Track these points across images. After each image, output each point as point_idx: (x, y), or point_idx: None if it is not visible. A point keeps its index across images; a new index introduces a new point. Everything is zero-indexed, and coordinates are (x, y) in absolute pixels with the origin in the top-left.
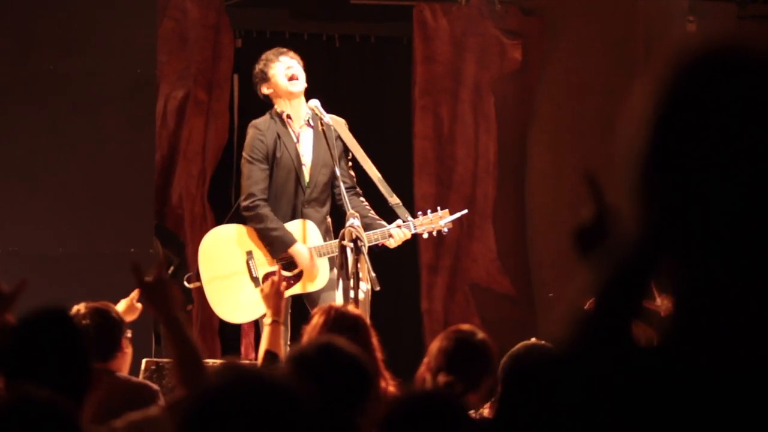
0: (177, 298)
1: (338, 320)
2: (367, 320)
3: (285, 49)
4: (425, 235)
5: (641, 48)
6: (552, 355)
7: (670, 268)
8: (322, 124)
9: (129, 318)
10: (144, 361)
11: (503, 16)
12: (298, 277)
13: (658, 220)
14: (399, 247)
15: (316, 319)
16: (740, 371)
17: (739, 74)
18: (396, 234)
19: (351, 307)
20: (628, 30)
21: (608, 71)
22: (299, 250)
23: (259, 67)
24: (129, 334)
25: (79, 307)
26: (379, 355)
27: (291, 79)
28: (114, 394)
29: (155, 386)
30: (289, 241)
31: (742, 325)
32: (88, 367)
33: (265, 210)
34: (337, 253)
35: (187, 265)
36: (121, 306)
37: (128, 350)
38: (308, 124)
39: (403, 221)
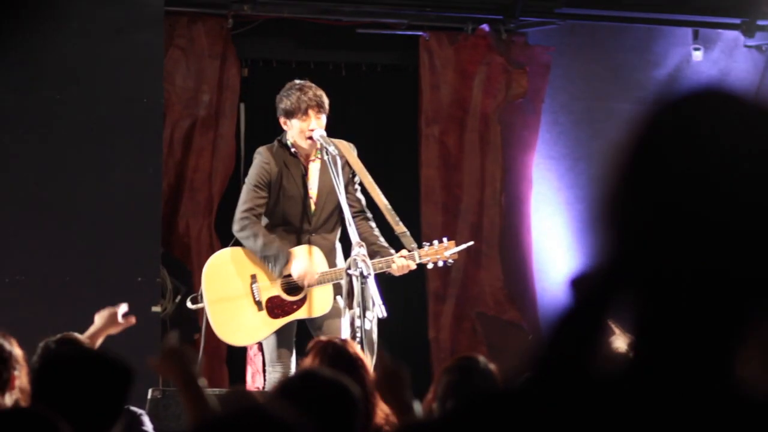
0: (192, 361)
1: (333, 358)
2: (368, 354)
3: (313, 97)
4: (430, 266)
5: (647, 75)
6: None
7: (631, 301)
8: (326, 154)
9: (111, 331)
10: (150, 390)
11: (509, 45)
12: (300, 302)
13: (620, 250)
14: (406, 275)
15: (312, 357)
16: (693, 405)
17: (709, 113)
18: (399, 263)
19: (349, 344)
20: (633, 57)
21: (614, 99)
22: (295, 265)
23: (286, 102)
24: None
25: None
26: (376, 392)
27: (308, 138)
28: None
29: (138, 410)
30: (287, 254)
31: (700, 357)
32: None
33: (256, 227)
34: (340, 280)
35: (195, 293)
36: (97, 322)
37: None
38: (317, 158)
39: (408, 251)
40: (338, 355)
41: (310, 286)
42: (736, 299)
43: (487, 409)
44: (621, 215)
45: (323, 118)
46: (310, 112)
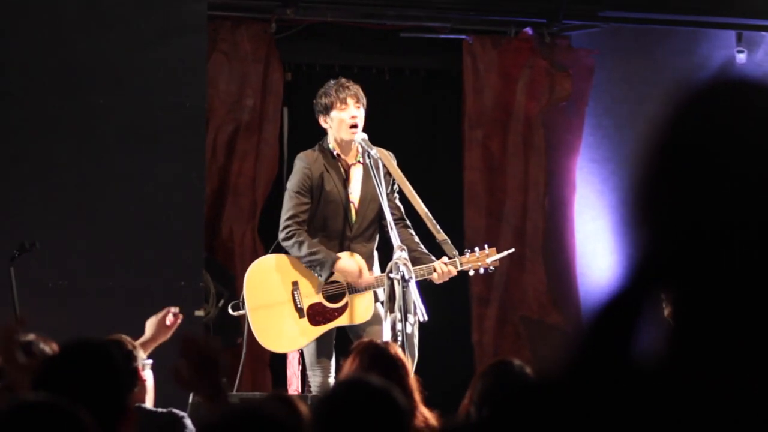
0: (225, 367)
1: (375, 359)
2: (409, 358)
3: (352, 87)
4: (471, 273)
5: (691, 78)
6: (517, 377)
7: (667, 296)
8: (368, 157)
9: (162, 340)
10: (191, 394)
11: (552, 49)
12: (341, 310)
13: (654, 246)
14: (452, 278)
15: (353, 358)
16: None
17: (737, 107)
18: (440, 270)
19: (391, 346)
20: (677, 60)
21: (657, 101)
22: (344, 266)
23: (323, 99)
24: (145, 364)
25: None
26: (416, 396)
27: (352, 127)
28: (142, 428)
29: (180, 412)
30: (333, 258)
31: (740, 354)
32: (123, 404)
33: (302, 236)
34: (382, 287)
35: (238, 298)
36: (148, 331)
37: (146, 380)
38: (359, 162)
39: (449, 257)
40: (379, 356)
41: (359, 285)
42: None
43: (526, 401)
44: (654, 210)
45: (362, 112)
46: (349, 100)
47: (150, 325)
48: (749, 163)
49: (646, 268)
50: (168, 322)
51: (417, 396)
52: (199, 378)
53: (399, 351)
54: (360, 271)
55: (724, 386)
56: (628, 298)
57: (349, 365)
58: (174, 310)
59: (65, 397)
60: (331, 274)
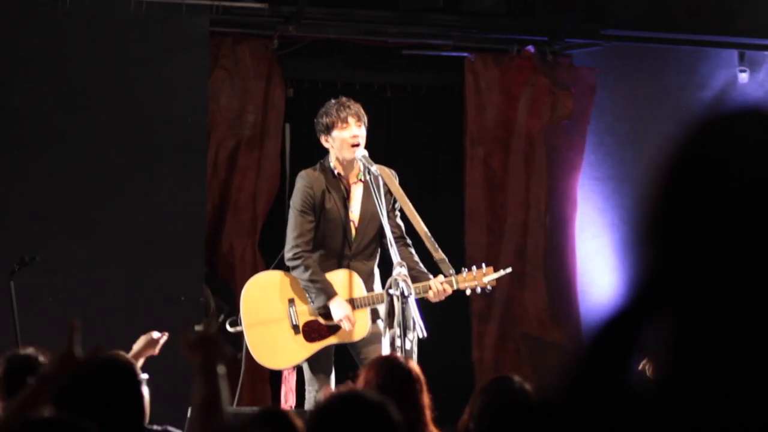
0: (222, 353)
1: (390, 374)
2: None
3: (353, 106)
4: (468, 292)
5: (693, 97)
6: (517, 394)
7: (668, 318)
8: (369, 174)
9: (149, 353)
10: (190, 409)
11: (554, 67)
12: (337, 327)
13: (657, 267)
14: (450, 295)
15: (367, 370)
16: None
17: (740, 133)
18: (435, 288)
19: (409, 362)
20: (679, 79)
21: (660, 121)
22: (336, 306)
23: (324, 117)
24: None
25: None
26: (427, 413)
27: (353, 146)
28: None
29: (176, 431)
30: (330, 293)
31: (737, 376)
32: (139, 424)
33: (309, 261)
34: (378, 305)
35: (238, 313)
36: (139, 343)
37: (145, 396)
38: (360, 180)
39: (446, 277)
40: (395, 371)
41: (341, 324)
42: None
43: (522, 422)
44: (658, 233)
45: (363, 131)
46: (350, 119)
47: (139, 340)
48: (755, 192)
49: (647, 291)
50: (155, 337)
51: (428, 413)
52: (197, 349)
53: (416, 367)
54: (348, 319)
55: (719, 411)
56: (627, 319)
57: (364, 377)
58: (157, 334)
59: (86, 415)
60: (324, 306)
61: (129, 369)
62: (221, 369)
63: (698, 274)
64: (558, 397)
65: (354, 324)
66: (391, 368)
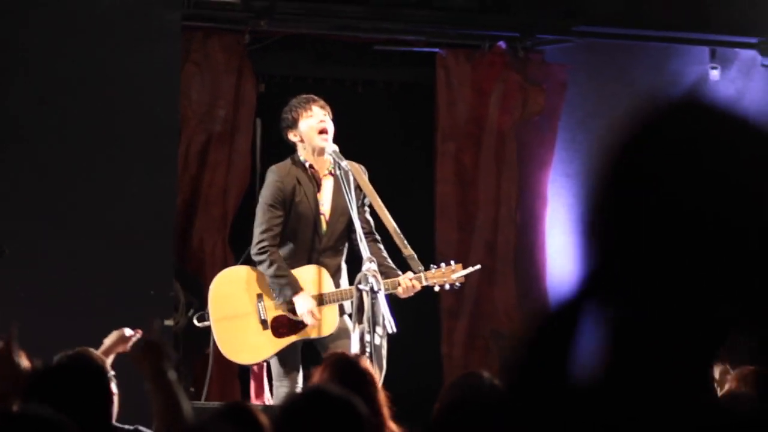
0: (167, 356)
1: (344, 372)
2: (378, 370)
3: (316, 98)
4: (436, 288)
5: (664, 94)
6: (486, 390)
7: (609, 310)
8: (339, 169)
9: (119, 349)
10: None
11: (526, 63)
12: (305, 322)
13: (599, 260)
14: (419, 292)
15: (322, 369)
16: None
17: (688, 126)
18: (405, 284)
19: (361, 359)
20: (651, 76)
21: (630, 117)
22: (300, 301)
23: (288, 113)
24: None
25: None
26: (384, 411)
27: (321, 132)
28: None
29: (146, 430)
30: (295, 289)
31: (676, 368)
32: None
33: (275, 256)
34: (346, 301)
35: (206, 308)
36: (110, 339)
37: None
38: (331, 174)
39: (415, 273)
40: (348, 369)
41: (305, 322)
42: (712, 312)
43: (466, 420)
44: (600, 226)
45: (329, 120)
46: (314, 107)
47: (109, 336)
48: (701, 187)
49: (590, 284)
50: (127, 334)
51: (385, 411)
52: (143, 357)
53: (369, 365)
54: (312, 314)
55: (657, 404)
56: (568, 312)
57: (318, 376)
58: (130, 332)
59: (55, 410)
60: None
61: (98, 366)
62: (172, 374)
63: (639, 266)
64: (501, 391)
65: (318, 319)
66: (345, 366)
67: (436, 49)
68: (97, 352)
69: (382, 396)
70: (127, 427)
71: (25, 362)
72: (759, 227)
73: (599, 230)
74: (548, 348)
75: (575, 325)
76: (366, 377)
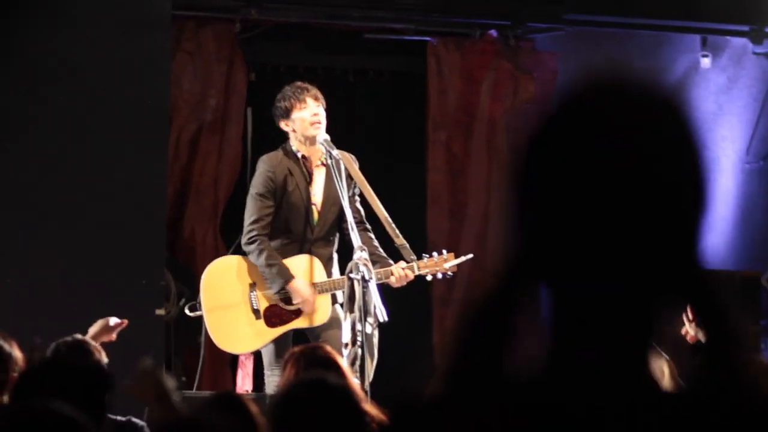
0: (166, 380)
1: (311, 363)
2: (369, 358)
3: (310, 88)
4: (429, 278)
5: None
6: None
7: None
8: (330, 158)
9: (104, 338)
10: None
11: (516, 51)
12: (298, 312)
13: (524, 245)
14: (411, 280)
15: (290, 366)
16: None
17: (605, 106)
18: (397, 274)
19: (322, 348)
20: (641, 64)
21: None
22: (296, 286)
23: (281, 101)
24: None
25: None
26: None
27: (314, 124)
28: None
29: (140, 422)
30: (287, 276)
31: (610, 355)
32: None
33: (265, 245)
34: (339, 290)
35: (198, 297)
36: (95, 327)
37: None
38: (323, 164)
39: (407, 262)
40: (315, 360)
41: (304, 308)
42: (640, 296)
43: (405, 421)
44: (523, 212)
45: (322, 111)
46: (308, 99)
47: (93, 326)
48: (618, 168)
49: (516, 267)
50: (112, 323)
51: (358, 394)
52: (143, 386)
53: (332, 351)
54: (312, 301)
55: (593, 392)
56: (498, 302)
57: (287, 373)
58: (115, 320)
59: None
60: (283, 289)
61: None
62: (176, 395)
63: (563, 252)
64: (438, 389)
65: (314, 307)
66: (311, 358)
67: (427, 38)
68: (95, 343)
69: (351, 381)
70: (120, 418)
71: (16, 352)
72: (678, 207)
73: (521, 215)
74: (480, 344)
75: (506, 315)
76: (330, 363)
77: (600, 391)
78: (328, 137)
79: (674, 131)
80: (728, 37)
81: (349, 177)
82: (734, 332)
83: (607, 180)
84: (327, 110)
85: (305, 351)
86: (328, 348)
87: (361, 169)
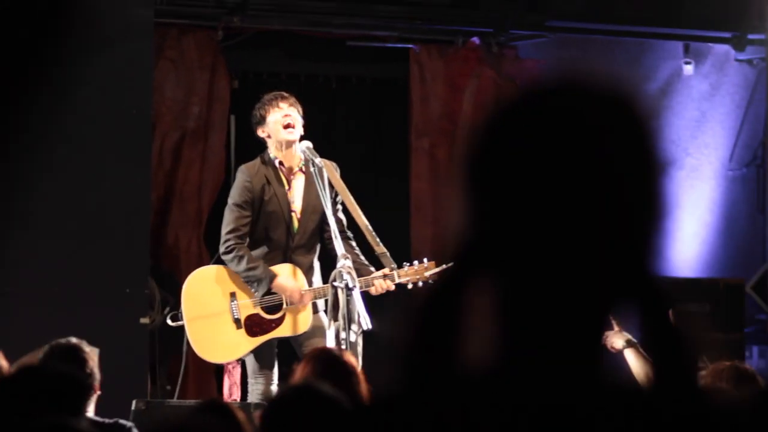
0: None
1: (327, 366)
2: (358, 364)
3: (285, 94)
4: (410, 286)
5: (638, 89)
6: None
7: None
8: (313, 166)
9: None
10: (134, 401)
11: (499, 58)
12: (279, 321)
13: (475, 233)
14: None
15: (305, 364)
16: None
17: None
18: (377, 284)
19: (344, 353)
20: (624, 71)
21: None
22: (284, 283)
23: (257, 110)
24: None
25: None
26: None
27: (287, 127)
28: None
29: (127, 423)
30: (271, 274)
31: (564, 346)
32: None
33: (242, 251)
34: (321, 298)
35: (179, 307)
36: None
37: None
38: (301, 171)
39: (389, 271)
40: (331, 363)
41: (293, 303)
42: (592, 288)
43: (365, 420)
44: (472, 199)
45: (297, 115)
46: (281, 103)
47: None
48: (572, 154)
49: (468, 257)
50: None
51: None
52: None
53: (353, 359)
54: (299, 291)
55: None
56: (445, 292)
57: (301, 371)
58: None
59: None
60: (269, 290)
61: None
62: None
63: (513, 243)
64: (393, 389)
65: (302, 298)
66: (327, 360)
67: (410, 45)
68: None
69: (364, 390)
70: (107, 420)
71: (2, 361)
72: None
73: (471, 202)
74: (432, 337)
75: (453, 312)
76: (349, 371)
77: (550, 387)
78: (311, 145)
79: (629, 132)
80: (711, 44)
81: (330, 185)
82: (682, 337)
83: (558, 176)
84: (309, 117)
85: (324, 353)
86: (350, 356)
87: (343, 176)
